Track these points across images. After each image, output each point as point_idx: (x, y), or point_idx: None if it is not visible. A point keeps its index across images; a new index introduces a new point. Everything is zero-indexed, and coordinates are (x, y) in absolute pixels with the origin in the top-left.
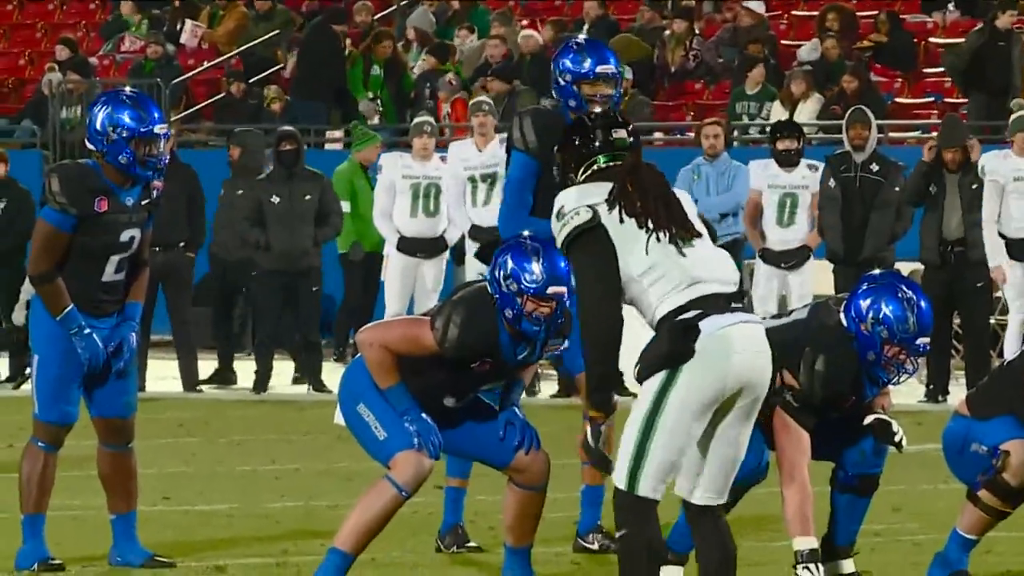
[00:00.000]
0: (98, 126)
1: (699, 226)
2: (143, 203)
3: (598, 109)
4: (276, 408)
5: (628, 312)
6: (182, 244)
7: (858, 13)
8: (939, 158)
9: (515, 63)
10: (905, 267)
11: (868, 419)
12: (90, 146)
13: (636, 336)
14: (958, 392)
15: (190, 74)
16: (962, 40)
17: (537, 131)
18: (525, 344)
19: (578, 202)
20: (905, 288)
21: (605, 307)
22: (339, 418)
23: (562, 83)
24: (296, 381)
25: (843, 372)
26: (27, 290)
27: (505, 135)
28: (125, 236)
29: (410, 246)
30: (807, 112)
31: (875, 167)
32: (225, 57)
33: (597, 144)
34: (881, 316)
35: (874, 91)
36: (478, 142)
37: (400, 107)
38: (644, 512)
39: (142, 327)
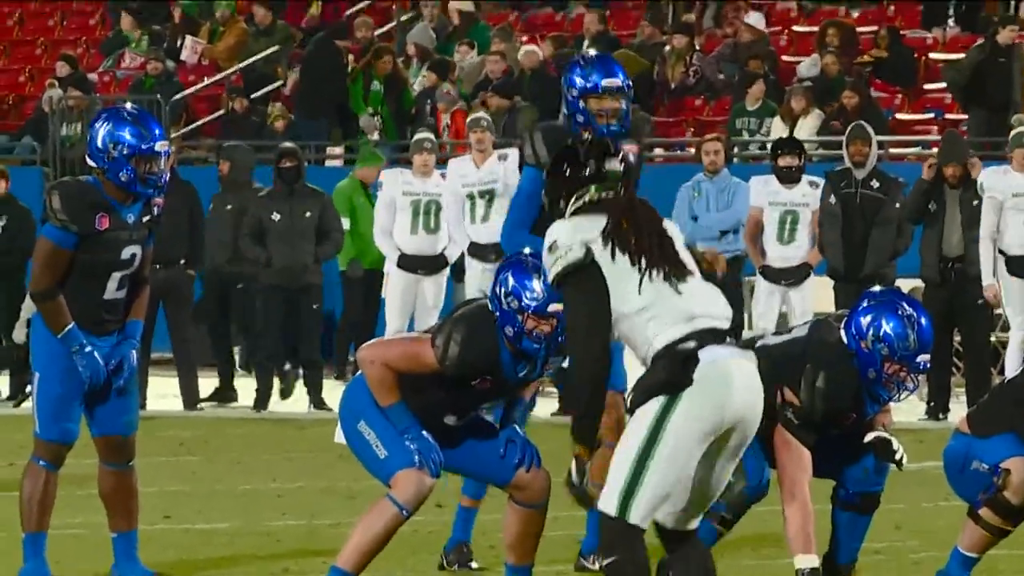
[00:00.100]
0: (99, 143)
1: (691, 264)
2: (144, 220)
3: (604, 124)
4: (277, 426)
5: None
6: (182, 261)
7: (858, 29)
8: (939, 175)
9: (515, 79)
10: (906, 284)
11: (868, 437)
12: (91, 163)
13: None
14: (959, 410)
15: (190, 90)
16: (962, 56)
17: (548, 146)
18: (526, 362)
19: (572, 237)
20: (906, 305)
21: (594, 344)
22: (340, 436)
23: (570, 98)
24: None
25: (844, 389)
26: (27, 308)
27: (504, 152)
28: (126, 253)
29: (410, 263)
30: (807, 128)
31: (876, 183)
32: (225, 73)
33: (588, 174)
34: (882, 333)
35: (874, 107)
36: (476, 158)
37: (400, 123)
38: (633, 539)
39: (142, 345)
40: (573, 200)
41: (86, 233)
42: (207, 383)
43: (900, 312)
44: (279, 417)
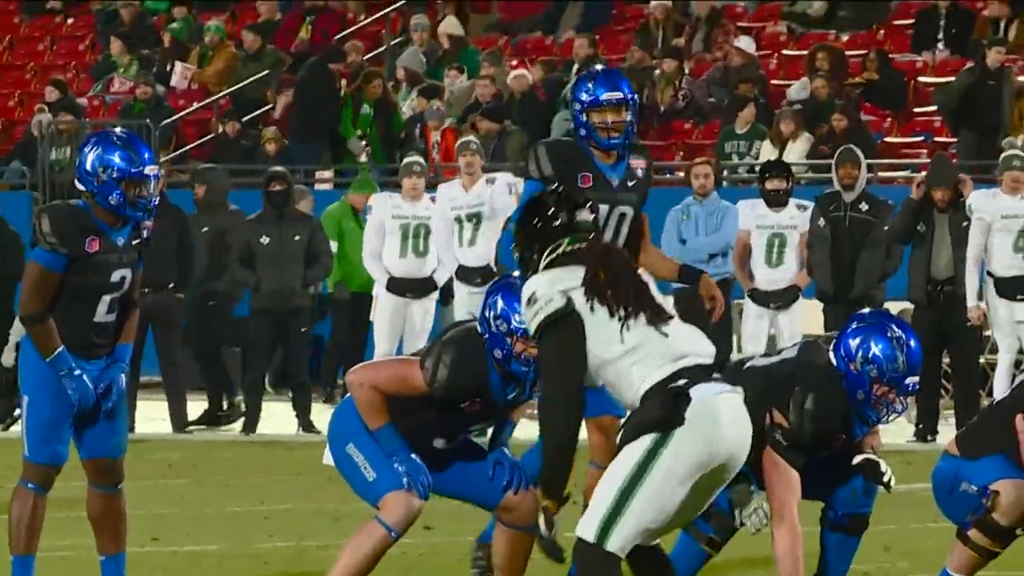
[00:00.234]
0: (88, 167)
1: (669, 308)
2: (134, 243)
3: (606, 136)
4: (265, 449)
5: None
6: (171, 285)
7: (847, 52)
8: (928, 197)
9: (505, 103)
10: (894, 306)
11: (857, 458)
12: (80, 187)
13: None
14: (947, 431)
15: (180, 115)
16: (952, 79)
17: (552, 160)
18: (515, 384)
19: (550, 289)
20: (895, 327)
21: (570, 395)
22: (328, 458)
23: (575, 112)
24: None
25: (832, 411)
26: (16, 331)
27: (492, 175)
28: (116, 276)
29: (399, 286)
30: (796, 151)
31: (864, 206)
32: (215, 97)
33: (559, 225)
34: (870, 355)
35: (863, 130)
36: (464, 182)
37: (389, 147)
38: (610, 567)
39: (131, 368)
40: (547, 253)
41: (76, 256)
42: (196, 406)
43: (889, 334)
44: (268, 440)
